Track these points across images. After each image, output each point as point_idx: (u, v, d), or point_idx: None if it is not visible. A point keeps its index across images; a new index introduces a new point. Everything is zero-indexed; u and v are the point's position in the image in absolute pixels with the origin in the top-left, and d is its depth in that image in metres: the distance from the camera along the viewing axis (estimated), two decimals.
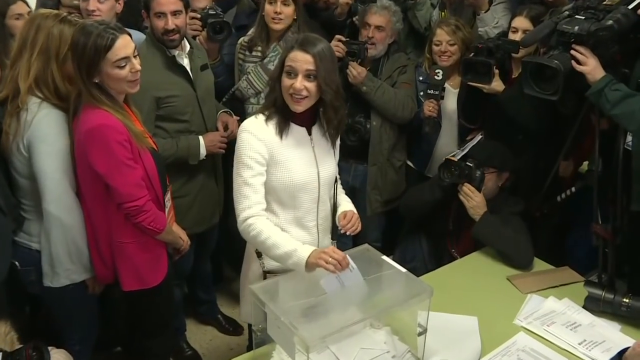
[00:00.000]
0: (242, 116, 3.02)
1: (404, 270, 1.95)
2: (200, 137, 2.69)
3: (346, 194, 3.40)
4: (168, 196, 2.34)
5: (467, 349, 2.04)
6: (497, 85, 2.77)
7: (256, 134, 2.00)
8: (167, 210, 2.31)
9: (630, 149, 2.37)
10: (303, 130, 2.08)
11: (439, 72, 2.93)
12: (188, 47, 2.68)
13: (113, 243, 2.17)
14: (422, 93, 3.12)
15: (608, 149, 2.48)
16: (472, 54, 2.81)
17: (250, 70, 3.04)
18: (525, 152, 2.83)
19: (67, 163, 2.11)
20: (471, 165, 2.63)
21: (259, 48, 3.05)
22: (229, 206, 3.00)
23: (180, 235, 2.41)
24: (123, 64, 2.01)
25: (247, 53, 3.09)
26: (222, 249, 3.35)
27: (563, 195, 2.78)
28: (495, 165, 2.69)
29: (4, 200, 2.08)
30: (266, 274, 2.15)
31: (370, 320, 1.86)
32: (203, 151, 2.69)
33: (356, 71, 3.03)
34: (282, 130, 2.03)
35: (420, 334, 1.93)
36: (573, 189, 2.76)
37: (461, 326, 2.15)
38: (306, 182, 2.09)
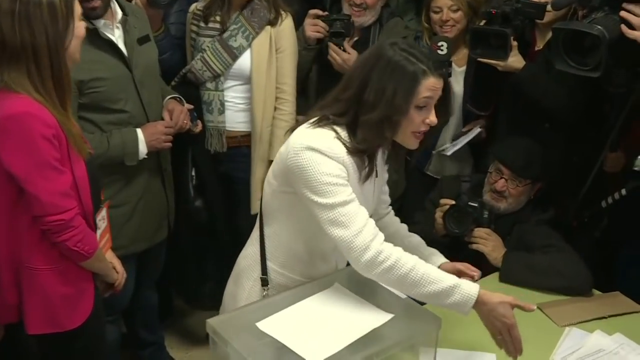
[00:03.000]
0: (197, 104, 3.01)
1: (404, 296, 1.96)
2: (139, 130, 2.64)
3: None
4: (103, 213, 2.30)
5: None
6: (515, 61, 2.77)
7: (332, 156, 1.93)
8: (99, 232, 2.26)
9: None
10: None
11: (442, 45, 2.94)
12: (120, 14, 2.63)
13: (20, 268, 2.10)
14: None
15: None
16: (483, 22, 2.79)
17: (207, 47, 3.03)
18: (554, 146, 2.83)
19: None
20: (476, 205, 2.70)
21: (217, 18, 3.05)
22: (180, 219, 3.02)
23: (114, 266, 2.37)
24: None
25: (201, 24, 3.07)
26: (170, 274, 3.29)
27: (610, 200, 2.77)
28: (534, 176, 2.72)
29: None
30: None
31: None
32: (143, 148, 2.64)
33: (342, 57, 3.01)
34: (369, 174, 2.03)
35: None
36: (623, 191, 2.75)
37: None
38: None
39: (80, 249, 2.09)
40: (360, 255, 1.89)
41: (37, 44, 1.94)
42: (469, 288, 1.90)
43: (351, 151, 1.95)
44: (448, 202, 2.74)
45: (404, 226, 2.37)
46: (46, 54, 1.96)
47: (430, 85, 1.92)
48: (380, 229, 1.97)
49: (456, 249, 2.61)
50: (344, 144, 1.95)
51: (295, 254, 2.11)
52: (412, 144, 2.02)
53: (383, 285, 1.99)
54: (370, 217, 1.98)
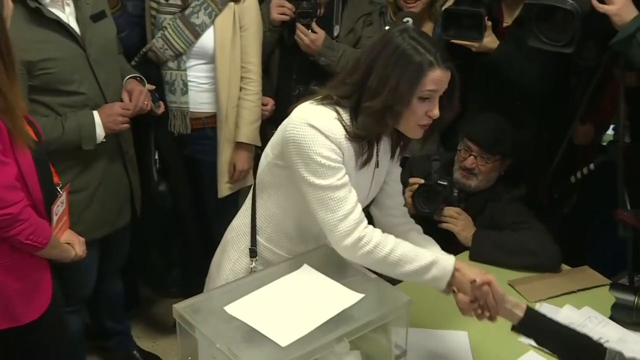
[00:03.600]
0: (159, 85, 2.97)
1: (373, 276, 1.96)
2: (95, 113, 2.60)
3: None
4: (62, 198, 2.27)
5: None
6: (489, 41, 2.77)
7: (337, 143, 1.93)
8: (56, 218, 2.23)
9: None
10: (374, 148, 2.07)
11: (408, 21, 2.93)
12: None
13: None
14: None
15: (637, 111, 2.51)
16: (453, 2, 2.79)
17: (168, 25, 2.97)
18: (525, 123, 2.85)
19: None
20: (445, 184, 2.74)
21: None
22: (144, 204, 2.98)
23: (72, 246, 2.33)
24: None
25: (161, 1, 3.02)
26: (135, 261, 3.27)
27: (578, 175, 2.82)
28: (503, 152, 2.73)
29: None
30: None
31: (334, 341, 1.82)
32: (100, 131, 2.60)
33: (310, 37, 2.99)
34: (366, 162, 2.02)
35: (397, 358, 1.93)
36: (591, 166, 2.80)
37: (449, 344, 2.18)
38: None
39: (33, 241, 2.07)
40: (342, 240, 1.93)
41: None
42: (446, 262, 1.99)
43: (351, 135, 1.94)
44: (417, 181, 2.75)
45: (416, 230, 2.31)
46: None
47: (435, 78, 1.89)
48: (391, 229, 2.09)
49: (426, 229, 2.62)
50: (344, 126, 1.94)
51: (284, 230, 2.13)
52: (416, 134, 2.00)
53: (354, 266, 2.00)
54: (368, 206, 2.06)
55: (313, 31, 3.03)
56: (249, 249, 2.17)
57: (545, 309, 2.34)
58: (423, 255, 1.98)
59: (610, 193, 2.52)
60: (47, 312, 2.19)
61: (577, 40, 2.23)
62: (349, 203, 1.93)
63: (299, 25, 3.03)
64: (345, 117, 1.95)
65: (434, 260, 1.97)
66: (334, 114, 1.95)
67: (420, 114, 1.93)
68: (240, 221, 2.24)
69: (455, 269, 1.99)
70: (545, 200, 2.87)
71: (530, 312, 1.96)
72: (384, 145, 2.10)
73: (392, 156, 2.17)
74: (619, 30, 2.21)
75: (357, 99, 1.94)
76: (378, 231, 1.97)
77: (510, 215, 2.69)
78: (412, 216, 2.68)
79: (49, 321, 2.21)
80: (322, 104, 1.97)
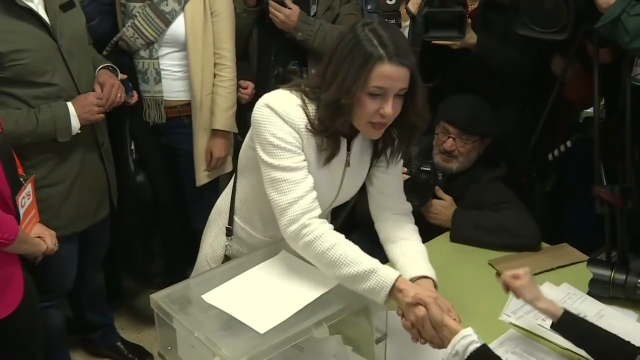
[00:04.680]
0: (132, 74, 2.97)
1: None
2: (69, 104, 2.60)
3: None
4: (28, 190, 2.27)
5: (440, 354, 2.05)
6: (469, 37, 2.78)
7: (295, 128, 1.90)
8: (23, 210, 2.23)
9: (639, 84, 2.40)
10: (343, 143, 2.01)
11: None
12: None
13: None
14: None
15: (611, 89, 2.54)
16: (432, 1, 2.72)
17: (137, 13, 2.98)
18: (507, 101, 2.87)
19: None
20: (428, 169, 2.72)
21: None
22: (122, 195, 3.00)
23: (43, 239, 2.34)
24: None
25: None
26: (117, 253, 3.30)
27: (556, 152, 2.84)
28: (481, 132, 2.75)
29: None
30: (227, 258, 2.21)
31: (313, 327, 1.85)
32: (75, 123, 2.60)
33: (284, 13, 3.00)
34: (329, 158, 1.96)
35: (378, 341, 1.93)
36: (569, 143, 2.82)
37: None
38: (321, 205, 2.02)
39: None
40: (288, 225, 1.88)
41: None
42: (387, 274, 1.81)
43: (312, 127, 1.91)
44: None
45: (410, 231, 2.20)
46: None
47: (384, 72, 1.80)
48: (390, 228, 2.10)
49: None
50: (307, 115, 1.91)
51: (257, 212, 2.15)
52: (370, 134, 1.94)
53: None
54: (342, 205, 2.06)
55: (287, 7, 3.03)
56: (226, 227, 2.21)
57: None
58: (364, 262, 1.82)
59: (587, 171, 2.55)
60: (20, 307, 2.19)
61: (570, 26, 2.24)
62: (301, 188, 1.88)
63: (271, 2, 3.03)
64: (311, 107, 1.92)
65: (373, 269, 1.81)
66: (298, 101, 1.93)
67: (371, 112, 1.84)
68: (222, 199, 2.29)
69: (397, 289, 1.80)
70: (525, 179, 2.89)
71: (567, 315, 1.96)
72: (362, 145, 2.06)
73: (375, 158, 2.10)
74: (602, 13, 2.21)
75: (320, 91, 1.91)
76: (327, 226, 1.89)
77: (491, 195, 2.72)
78: None
79: (23, 316, 2.23)
80: (290, 90, 1.96)
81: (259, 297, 1.85)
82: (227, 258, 2.23)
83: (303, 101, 1.93)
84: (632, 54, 2.36)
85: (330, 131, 1.91)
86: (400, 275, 1.83)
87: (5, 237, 2.08)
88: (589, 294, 2.33)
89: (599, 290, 2.29)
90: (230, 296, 1.84)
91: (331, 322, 1.84)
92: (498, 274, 2.14)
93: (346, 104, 1.83)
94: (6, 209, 2.12)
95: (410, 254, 2.09)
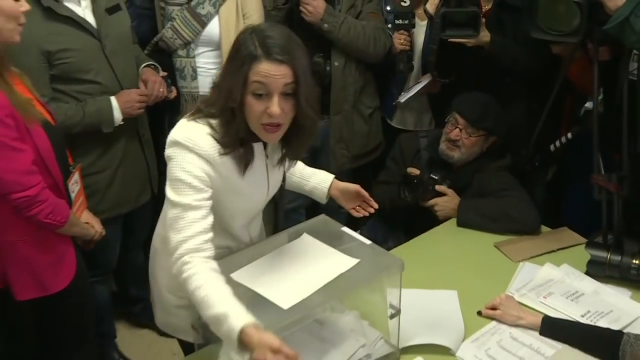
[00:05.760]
0: (170, 71, 2.96)
1: (368, 242, 1.96)
2: (112, 98, 2.59)
3: (307, 156, 3.32)
4: (75, 178, 2.28)
5: (449, 330, 2.06)
6: (483, 35, 2.75)
7: (201, 154, 1.75)
8: (73, 196, 2.25)
9: (635, 78, 2.36)
10: (260, 145, 1.87)
11: (405, 1, 2.91)
12: None
13: (0, 242, 2.10)
14: (390, 26, 3.10)
15: (610, 84, 2.50)
16: (449, 2, 2.71)
17: (176, 16, 2.96)
18: (515, 96, 2.85)
19: None
20: (436, 178, 2.71)
21: None
22: (163, 182, 2.98)
23: (92, 224, 2.36)
24: None
25: None
26: None
27: (557, 143, 2.81)
28: (486, 128, 2.72)
29: None
30: None
31: (333, 304, 1.85)
32: (118, 115, 2.60)
33: (312, 4, 2.96)
34: (246, 165, 1.81)
35: (392, 317, 1.93)
36: (569, 135, 2.79)
37: (440, 303, 2.19)
38: (252, 206, 1.99)
39: (53, 219, 2.08)
40: (174, 262, 1.70)
41: None
42: (235, 321, 1.55)
43: (221, 145, 1.76)
44: (414, 171, 2.76)
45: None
46: None
47: (261, 70, 1.66)
48: None
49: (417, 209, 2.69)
50: (217, 140, 1.76)
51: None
52: (265, 137, 1.78)
53: (350, 234, 2.00)
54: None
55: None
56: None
57: (528, 267, 2.38)
58: (221, 305, 1.60)
59: (586, 160, 2.52)
60: (73, 282, 2.22)
61: (583, 28, 2.21)
62: (194, 229, 1.71)
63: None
64: (219, 128, 1.76)
65: (225, 313, 1.57)
66: (206, 129, 1.76)
67: (258, 112, 1.70)
68: (162, 228, 2.05)
69: (242, 333, 1.53)
70: (528, 167, 2.86)
71: (547, 319, 2.04)
72: (275, 146, 1.92)
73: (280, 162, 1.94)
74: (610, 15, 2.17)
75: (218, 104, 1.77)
76: (206, 267, 1.68)
77: (496, 183, 2.70)
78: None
79: (76, 290, 2.25)
80: (194, 120, 1.79)
81: (283, 276, 1.84)
82: None
83: (210, 126, 1.77)
84: None
85: (238, 141, 1.77)
86: (250, 327, 1.54)
87: (59, 219, 2.10)
88: (586, 273, 2.33)
89: (596, 270, 2.29)
90: (256, 275, 1.84)
91: (348, 299, 1.85)
92: (479, 313, 2.13)
93: (236, 108, 1.71)
94: (59, 194, 2.14)
95: (307, 173, 2.21)
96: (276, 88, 1.68)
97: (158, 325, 2.22)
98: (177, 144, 1.75)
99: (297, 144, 1.86)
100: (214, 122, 1.77)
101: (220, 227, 1.89)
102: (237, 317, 1.56)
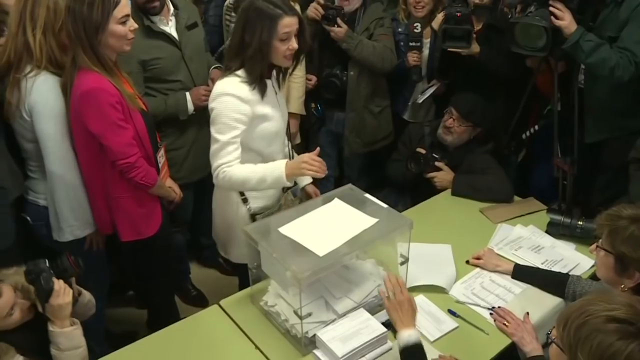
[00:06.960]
0: None
1: (385, 206, 1.95)
2: (187, 93, 2.61)
3: (331, 140, 3.33)
4: (161, 153, 2.30)
5: (444, 274, 2.08)
6: (474, 47, 2.74)
7: (241, 96, 1.94)
8: (160, 166, 2.26)
9: (582, 86, 2.41)
10: (269, 82, 2.05)
11: (417, 25, 2.90)
12: (172, 9, 2.58)
13: (110, 198, 2.14)
14: (402, 44, 3.07)
15: (565, 90, 2.51)
16: (449, 21, 2.69)
17: None
18: (496, 94, 2.83)
19: (67, 125, 2.05)
20: (437, 156, 2.69)
21: None
22: None
23: (173, 189, 2.38)
24: (125, 20, 1.96)
25: (233, 14, 2.96)
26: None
27: (527, 133, 2.79)
28: (474, 121, 2.70)
29: (8, 171, 2.04)
30: (254, 216, 2.14)
31: (357, 252, 1.86)
32: (190, 106, 2.61)
33: (335, 30, 2.94)
34: (263, 92, 1.99)
35: (402, 264, 1.95)
36: (536, 126, 2.77)
37: (438, 254, 2.18)
38: (280, 125, 2.10)
39: (145, 181, 2.11)
40: (216, 177, 1.99)
41: (79, 33, 1.90)
42: (276, 167, 1.96)
43: (249, 83, 1.95)
44: (422, 150, 2.75)
45: None
46: (86, 42, 1.91)
47: (287, 23, 1.90)
48: None
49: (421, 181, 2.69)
50: (247, 83, 1.95)
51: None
52: (286, 63, 2.01)
53: (371, 199, 1.99)
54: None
55: (339, 26, 2.93)
56: (241, 198, 2.15)
57: (504, 228, 2.38)
58: (259, 169, 1.97)
59: (548, 146, 2.52)
60: (160, 230, 2.25)
61: (549, 46, 2.26)
62: (230, 157, 1.95)
63: (324, 26, 2.94)
64: (242, 74, 1.95)
65: (264, 169, 1.97)
66: (237, 79, 1.96)
67: (284, 49, 1.94)
68: None
69: (286, 167, 1.95)
70: (505, 151, 2.84)
71: (517, 267, 2.08)
72: (274, 77, 2.11)
73: (278, 81, 2.14)
74: (567, 38, 2.24)
75: (242, 56, 1.94)
76: (236, 166, 1.96)
77: (481, 163, 2.66)
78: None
79: (162, 236, 2.27)
80: (226, 77, 1.98)
81: (319, 230, 1.84)
82: (252, 217, 2.15)
83: (237, 76, 1.96)
84: (588, 67, 2.37)
85: (259, 77, 1.96)
86: (288, 163, 1.97)
87: (150, 182, 2.12)
88: (547, 232, 2.33)
89: (553, 230, 2.31)
90: (298, 229, 1.84)
91: (368, 248, 1.86)
92: (467, 262, 2.16)
93: (266, 51, 1.92)
94: (150, 164, 2.16)
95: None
96: (294, 32, 1.94)
97: (235, 260, 2.27)
98: (220, 95, 1.94)
99: (297, 60, 2.06)
100: (239, 72, 1.95)
101: (262, 158, 2.06)
102: (274, 166, 1.97)
